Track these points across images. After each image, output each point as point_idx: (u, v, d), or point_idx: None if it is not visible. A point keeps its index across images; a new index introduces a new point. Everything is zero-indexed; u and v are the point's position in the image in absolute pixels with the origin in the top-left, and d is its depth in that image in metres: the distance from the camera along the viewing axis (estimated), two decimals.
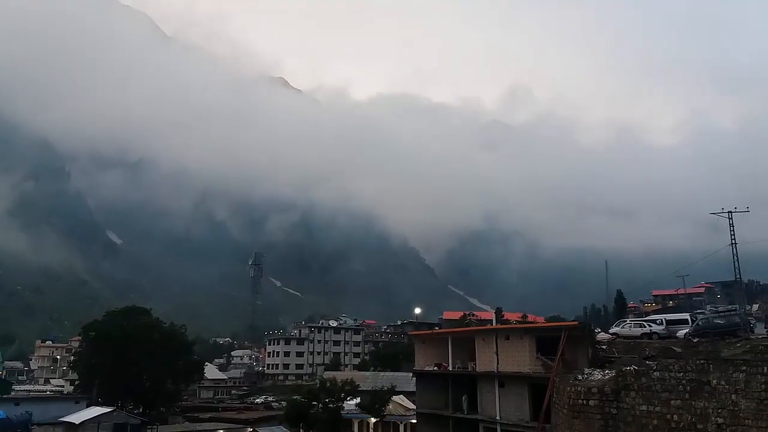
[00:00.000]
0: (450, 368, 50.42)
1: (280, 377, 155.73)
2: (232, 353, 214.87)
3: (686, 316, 52.90)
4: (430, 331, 74.11)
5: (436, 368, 52.49)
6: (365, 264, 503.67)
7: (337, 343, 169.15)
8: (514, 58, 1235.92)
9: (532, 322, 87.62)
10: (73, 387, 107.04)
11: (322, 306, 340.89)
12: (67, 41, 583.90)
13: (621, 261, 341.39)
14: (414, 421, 58.97)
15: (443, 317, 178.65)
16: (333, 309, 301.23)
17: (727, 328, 40.86)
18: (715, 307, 79.03)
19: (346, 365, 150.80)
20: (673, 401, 28.53)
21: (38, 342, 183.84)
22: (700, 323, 44.05)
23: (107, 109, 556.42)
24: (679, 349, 37.66)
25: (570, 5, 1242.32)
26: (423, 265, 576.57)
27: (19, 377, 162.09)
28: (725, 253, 47.17)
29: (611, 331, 52.75)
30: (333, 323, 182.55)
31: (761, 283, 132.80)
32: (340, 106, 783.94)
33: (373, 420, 67.51)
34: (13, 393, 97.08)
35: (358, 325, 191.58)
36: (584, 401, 32.27)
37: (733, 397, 26.36)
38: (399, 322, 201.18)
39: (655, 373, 30.30)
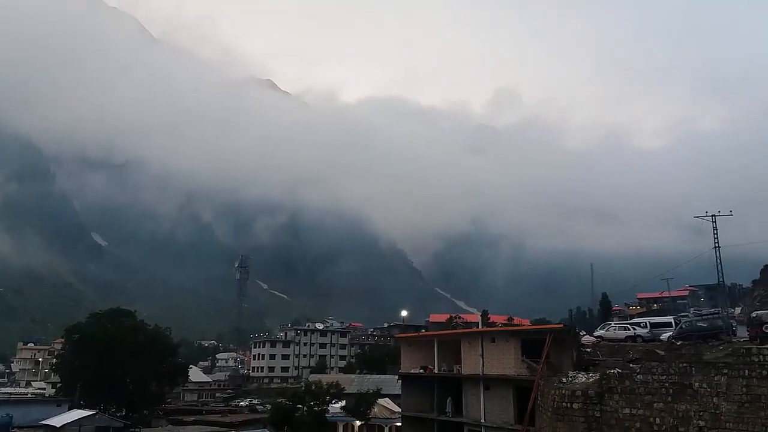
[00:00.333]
0: (436, 371, 50.36)
1: (266, 380, 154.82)
2: (217, 356, 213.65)
3: (670, 319, 53.23)
4: (416, 334, 74.00)
5: (421, 371, 52.40)
6: (352, 266, 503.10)
7: (323, 345, 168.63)
8: (501, 62, 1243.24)
9: (517, 325, 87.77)
10: (55, 390, 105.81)
11: (309, 308, 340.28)
12: (53, 43, 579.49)
13: (606, 264, 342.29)
14: (399, 424, 58.86)
15: (430, 320, 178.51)
16: (320, 311, 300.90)
17: (710, 331, 41.12)
18: (699, 310, 79.71)
19: (332, 368, 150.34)
20: (655, 404, 28.63)
21: (20, 344, 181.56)
22: (683, 326, 44.29)
23: (93, 110, 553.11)
24: (662, 352, 37.81)
25: (558, 10, 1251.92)
26: (410, 268, 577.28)
27: (0, 380, 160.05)
28: (709, 257, 47.55)
29: (596, 333, 52.88)
30: (319, 326, 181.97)
31: (744, 287, 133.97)
32: (329, 108, 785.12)
33: (358, 423, 67.30)
34: None
35: (344, 328, 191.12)
36: (568, 404, 32.33)
37: (715, 399, 26.47)
38: (385, 325, 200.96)
39: (638, 376, 30.40)
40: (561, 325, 51.72)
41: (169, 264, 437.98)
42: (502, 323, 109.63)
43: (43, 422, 65.00)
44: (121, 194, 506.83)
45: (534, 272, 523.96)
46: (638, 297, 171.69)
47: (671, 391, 28.30)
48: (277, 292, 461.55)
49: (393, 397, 68.63)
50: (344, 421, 68.69)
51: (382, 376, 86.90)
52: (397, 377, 58.96)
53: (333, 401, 66.47)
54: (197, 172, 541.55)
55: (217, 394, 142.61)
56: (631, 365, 34.32)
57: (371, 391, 69.12)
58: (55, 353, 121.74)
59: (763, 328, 33.43)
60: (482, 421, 42.82)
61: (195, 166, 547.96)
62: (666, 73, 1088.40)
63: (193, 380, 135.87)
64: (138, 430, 73.79)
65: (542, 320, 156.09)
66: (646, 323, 50.33)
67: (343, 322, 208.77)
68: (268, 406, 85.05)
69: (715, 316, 49.66)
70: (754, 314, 37.84)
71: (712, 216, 46.56)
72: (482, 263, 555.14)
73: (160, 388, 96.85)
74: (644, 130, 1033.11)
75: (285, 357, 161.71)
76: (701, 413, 26.71)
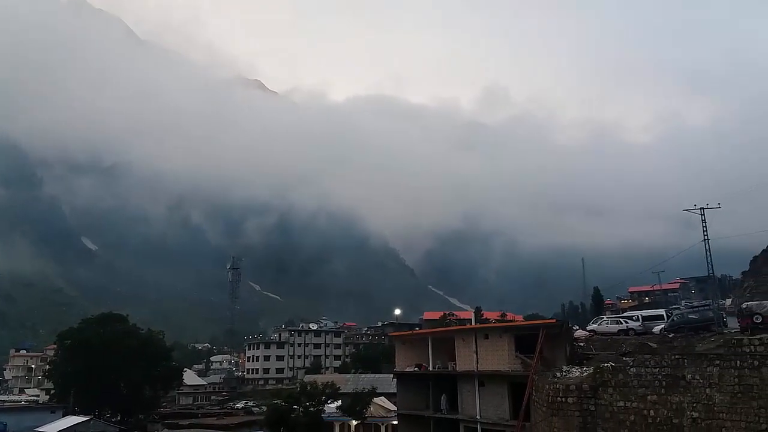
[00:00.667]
0: (430, 368, 50.56)
1: (260, 382, 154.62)
2: (211, 359, 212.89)
3: (662, 312, 53.75)
4: (411, 332, 74.22)
5: (416, 369, 52.61)
6: (345, 265, 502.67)
7: (317, 346, 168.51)
8: (490, 60, 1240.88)
9: (510, 321, 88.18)
10: (48, 396, 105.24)
11: (302, 309, 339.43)
12: (38, 45, 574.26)
13: (597, 258, 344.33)
14: (395, 422, 58.98)
15: (424, 318, 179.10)
16: (313, 311, 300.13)
17: (701, 323, 41.58)
18: (690, 303, 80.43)
19: (327, 368, 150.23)
20: (649, 396, 28.90)
21: (12, 351, 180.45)
22: (675, 319, 44.76)
23: (80, 113, 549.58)
24: (654, 345, 38.22)
25: (546, 8, 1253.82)
26: (403, 266, 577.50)
27: None
28: (698, 249, 47.77)
29: (589, 328, 53.36)
30: (313, 326, 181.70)
31: (734, 278, 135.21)
32: (318, 108, 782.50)
33: (354, 422, 67.34)
34: None
35: (338, 328, 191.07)
36: (563, 398, 32.57)
37: (708, 391, 26.75)
38: (379, 324, 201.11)
39: (631, 369, 30.68)
40: (554, 320, 51.98)
41: (160, 267, 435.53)
42: (495, 319, 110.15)
43: (38, 429, 64.78)
44: (110, 197, 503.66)
45: (526, 268, 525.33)
46: (630, 291, 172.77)
47: (664, 383, 28.58)
48: (269, 293, 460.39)
49: (389, 396, 68.73)
50: (340, 420, 68.73)
51: (377, 375, 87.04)
52: (392, 376, 59.06)
53: (328, 401, 66.53)
54: (186, 174, 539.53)
55: (212, 397, 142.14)
56: (624, 358, 34.70)
57: (367, 390, 69.24)
58: (48, 359, 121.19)
59: (754, 319, 33.83)
60: (478, 417, 43.07)
61: (184, 167, 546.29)
62: (653, 70, 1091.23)
63: (188, 383, 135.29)
64: None
65: (535, 316, 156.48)
66: (638, 316, 50.86)
67: (336, 322, 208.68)
68: (264, 408, 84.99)
69: (706, 308, 50.21)
70: (744, 305, 38.24)
71: (700, 209, 46.84)
72: (475, 260, 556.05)
73: (155, 392, 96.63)
74: (632, 126, 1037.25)
75: (279, 358, 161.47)
76: (694, 405, 26.99)
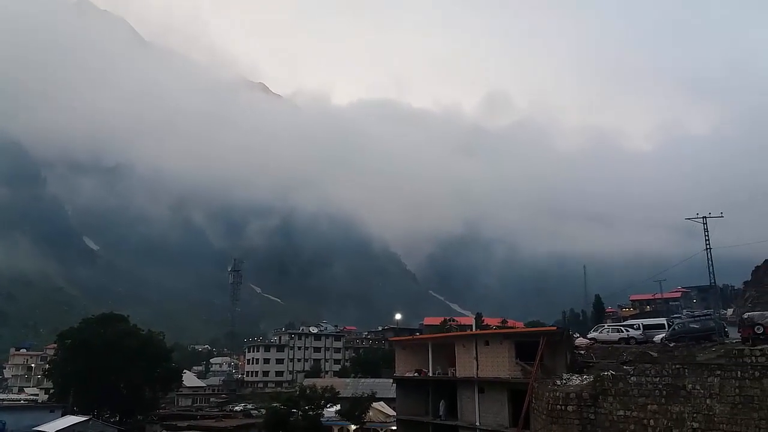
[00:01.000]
0: (430, 374, 50.48)
1: (260, 384, 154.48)
2: (210, 360, 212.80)
3: (663, 320, 53.57)
4: (411, 337, 74.14)
5: (416, 374, 52.53)
6: (346, 269, 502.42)
7: (317, 349, 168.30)
8: (492, 65, 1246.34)
9: (511, 328, 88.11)
10: (48, 396, 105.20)
11: (303, 312, 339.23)
12: (42, 45, 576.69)
13: (599, 266, 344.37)
14: (394, 427, 58.92)
15: (424, 323, 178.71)
16: (314, 315, 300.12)
17: (702, 333, 41.44)
18: (691, 312, 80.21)
19: (327, 372, 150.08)
20: (649, 406, 28.85)
21: (12, 350, 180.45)
22: (676, 328, 44.61)
23: (83, 113, 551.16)
24: (655, 354, 38.07)
25: (548, 14, 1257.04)
26: (404, 270, 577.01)
27: None
28: (700, 258, 47.84)
29: (589, 335, 53.19)
30: (313, 329, 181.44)
31: (736, 288, 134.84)
32: (321, 111, 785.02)
33: (353, 427, 67.28)
34: None
35: (338, 332, 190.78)
36: (563, 406, 32.51)
37: (708, 401, 26.70)
38: (380, 328, 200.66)
39: (632, 378, 30.62)
40: (554, 328, 51.91)
41: (161, 268, 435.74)
42: (496, 326, 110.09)
43: (37, 428, 64.72)
44: (113, 198, 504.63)
45: (527, 275, 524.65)
46: (631, 299, 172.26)
47: (665, 392, 28.53)
48: (270, 296, 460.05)
49: (388, 401, 68.73)
50: (339, 425, 68.65)
51: (377, 380, 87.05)
52: (391, 381, 59.00)
53: (328, 405, 66.50)
54: (189, 175, 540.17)
55: (212, 399, 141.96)
56: (624, 367, 34.56)
57: (366, 394, 69.26)
58: (48, 359, 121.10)
59: (755, 330, 33.74)
60: (477, 424, 42.95)
61: (186, 169, 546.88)
62: (654, 76, 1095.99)
63: (187, 385, 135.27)
64: None
65: (536, 322, 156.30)
66: (639, 325, 50.67)
67: (337, 326, 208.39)
68: (263, 411, 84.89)
69: (707, 317, 50.00)
70: (745, 315, 38.15)
71: (702, 218, 46.92)
72: (476, 266, 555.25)
73: (154, 393, 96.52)
74: (634, 133, 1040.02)
75: (279, 361, 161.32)
76: (695, 415, 26.94)
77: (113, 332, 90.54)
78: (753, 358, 26.00)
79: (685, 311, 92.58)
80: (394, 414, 59.48)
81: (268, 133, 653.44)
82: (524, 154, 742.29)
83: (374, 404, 68.37)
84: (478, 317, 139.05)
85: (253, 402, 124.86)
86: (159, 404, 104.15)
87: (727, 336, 40.52)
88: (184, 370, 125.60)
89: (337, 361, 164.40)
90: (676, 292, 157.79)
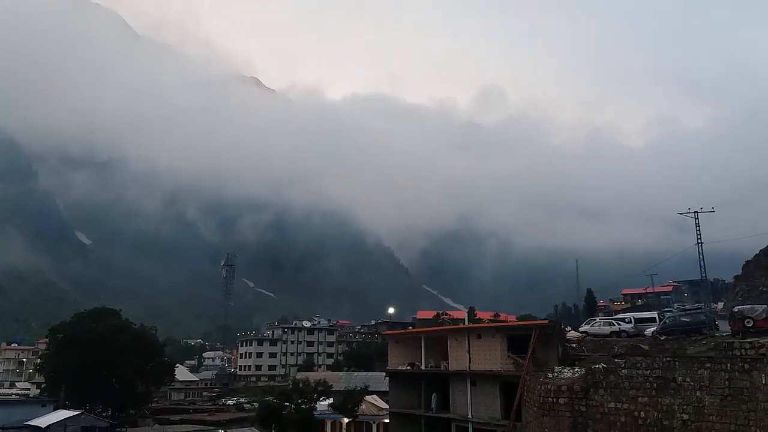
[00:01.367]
0: (423, 367, 50.61)
1: (253, 378, 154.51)
2: (203, 355, 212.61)
3: (654, 314, 53.89)
4: (404, 331, 74.32)
5: (409, 368, 52.64)
6: (339, 264, 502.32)
7: (310, 343, 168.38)
8: (486, 61, 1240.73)
9: (503, 321, 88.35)
10: (39, 390, 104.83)
11: (296, 306, 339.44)
12: (33, 38, 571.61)
13: (591, 260, 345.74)
14: (387, 420, 59.09)
15: (417, 317, 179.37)
16: (307, 309, 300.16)
17: (693, 326, 41.72)
18: (682, 306, 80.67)
19: (320, 366, 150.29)
20: (640, 398, 29.00)
21: (3, 344, 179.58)
22: (667, 321, 44.88)
23: (76, 107, 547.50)
24: (646, 347, 38.31)
25: (542, 10, 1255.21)
26: (397, 265, 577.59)
27: None
28: (692, 253, 48.00)
29: (581, 329, 53.46)
30: (306, 324, 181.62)
31: (726, 282, 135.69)
32: (315, 105, 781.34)
33: (346, 420, 67.46)
34: None
35: (331, 326, 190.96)
36: (554, 399, 32.66)
37: (698, 393, 26.85)
38: (373, 322, 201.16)
39: (623, 370, 30.78)
40: (546, 321, 52.13)
41: (154, 262, 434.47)
42: (488, 319, 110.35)
43: (28, 423, 64.44)
44: (105, 192, 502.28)
45: (520, 269, 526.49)
46: (623, 293, 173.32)
47: (655, 385, 28.68)
48: (263, 290, 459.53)
49: (381, 394, 68.85)
50: (332, 418, 68.83)
51: (370, 373, 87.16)
52: (384, 374, 59.15)
53: (320, 399, 66.55)
54: (182, 170, 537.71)
55: (204, 393, 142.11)
56: (615, 360, 34.76)
57: (359, 388, 69.34)
58: (40, 353, 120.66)
59: (745, 323, 34.01)
60: (469, 416, 43.12)
61: (179, 163, 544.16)
62: (648, 73, 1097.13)
63: (180, 379, 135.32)
64: (124, 429, 73.35)
65: (528, 316, 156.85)
66: (630, 318, 50.96)
67: (330, 320, 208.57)
68: (256, 405, 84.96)
69: (698, 311, 50.32)
70: (736, 309, 38.46)
71: (694, 213, 47.06)
72: (469, 260, 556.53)
73: (147, 387, 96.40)
74: (627, 129, 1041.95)
75: (272, 355, 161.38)
76: (685, 407, 27.10)
77: (105, 327, 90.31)
78: (742, 350, 26.15)
79: (676, 305, 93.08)
80: (387, 407, 59.60)
81: (261, 128, 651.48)
82: (518, 150, 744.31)
83: (367, 397, 68.51)
84: (471, 311, 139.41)
85: (246, 396, 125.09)
86: (151, 398, 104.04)
87: (718, 329, 40.81)
88: (177, 365, 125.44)
89: (330, 355, 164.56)
90: (668, 286, 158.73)
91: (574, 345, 45.75)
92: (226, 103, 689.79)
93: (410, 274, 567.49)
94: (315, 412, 64.93)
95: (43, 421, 63.41)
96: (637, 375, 29.75)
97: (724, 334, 36.73)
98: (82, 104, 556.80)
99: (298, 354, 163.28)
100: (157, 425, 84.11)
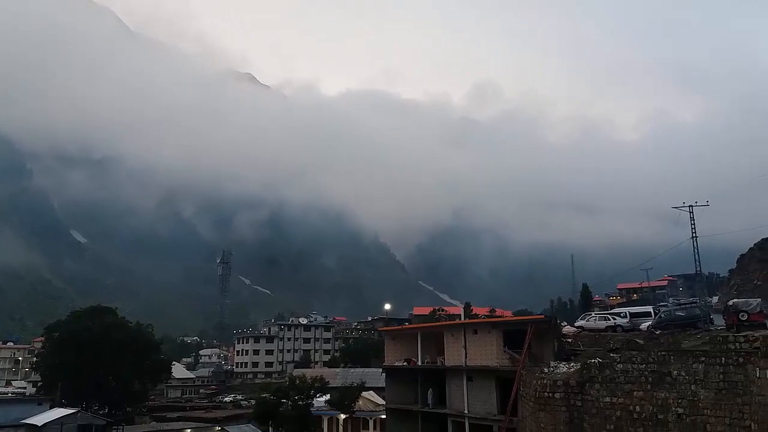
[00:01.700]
0: (419, 363, 50.68)
1: (249, 376, 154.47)
2: (200, 352, 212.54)
3: (649, 308, 53.98)
4: (400, 327, 74.28)
5: (405, 363, 52.72)
6: (336, 260, 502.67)
7: (307, 340, 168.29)
8: (481, 56, 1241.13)
9: (499, 317, 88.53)
10: (35, 389, 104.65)
11: (292, 303, 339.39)
12: (28, 36, 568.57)
13: (586, 255, 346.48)
14: (383, 416, 59.15)
15: (413, 313, 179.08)
16: (304, 306, 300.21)
17: (688, 320, 41.83)
18: (677, 300, 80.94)
19: (316, 362, 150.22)
20: (635, 392, 29.12)
21: None
22: (662, 316, 44.98)
23: (70, 105, 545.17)
24: (641, 342, 38.38)
25: (537, 5, 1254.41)
26: (393, 261, 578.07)
27: None
28: (687, 247, 48.16)
29: (577, 324, 53.47)
30: (303, 320, 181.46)
31: (721, 276, 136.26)
32: (310, 101, 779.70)
33: (342, 416, 67.46)
34: None
35: (328, 322, 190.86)
36: (550, 394, 32.77)
37: (693, 387, 26.99)
38: (369, 319, 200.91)
39: (618, 365, 30.88)
40: (542, 316, 52.25)
41: (150, 260, 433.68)
42: (484, 315, 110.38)
43: (25, 421, 64.30)
44: (101, 190, 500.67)
45: (516, 264, 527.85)
46: (618, 287, 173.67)
47: (650, 379, 28.81)
48: (260, 288, 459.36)
49: (377, 390, 68.91)
50: (329, 414, 68.84)
51: (366, 370, 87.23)
52: (381, 370, 59.19)
53: (317, 395, 66.61)
54: (177, 167, 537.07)
55: (201, 391, 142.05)
56: (611, 354, 34.82)
57: (355, 384, 69.39)
58: (36, 352, 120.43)
59: (740, 317, 34.13)
60: (465, 411, 43.23)
61: (175, 161, 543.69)
62: (643, 68, 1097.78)
63: (177, 377, 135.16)
64: (121, 427, 73.22)
65: (524, 311, 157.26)
66: (625, 313, 50.96)
67: (326, 317, 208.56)
68: (252, 402, 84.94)
69: (693, 305, 50.46)
70: (730, 303, 38.56)
71: (689, 206, 47.18)
72: (465, 256, 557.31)
73: (143, 385, 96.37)
74: (622, 123, 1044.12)
75: (269, 352, 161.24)
76: (680, 401, 27.23)
77: (101, 325, 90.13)
78: (737, 344, 26.28)
79: (671, 299, 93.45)
80: (384, 403, 59.69)
81: (256, 125, 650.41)
82: (513, 146, 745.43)
83: (364, 393, 68.55)
84: (467, 307, 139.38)
85: (243, 393, 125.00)
86: (148, 396, 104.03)
87: (713, 323, 40.94)
88: (173, 362, 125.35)
89: (326, 352, 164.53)
90: (663, 280, 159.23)
91: (569, 340, 45.79)
92: (221, 100, 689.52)
93: (406, 270, 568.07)
94: (312, 409, 64.97)
95: (39, 420, 63.26)
96: (632, 369, 29.87)
97: (719, 328, 36.86)
98: (77, 102, 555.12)
99: (295, 351, 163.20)
100: (154, 423, 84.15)
